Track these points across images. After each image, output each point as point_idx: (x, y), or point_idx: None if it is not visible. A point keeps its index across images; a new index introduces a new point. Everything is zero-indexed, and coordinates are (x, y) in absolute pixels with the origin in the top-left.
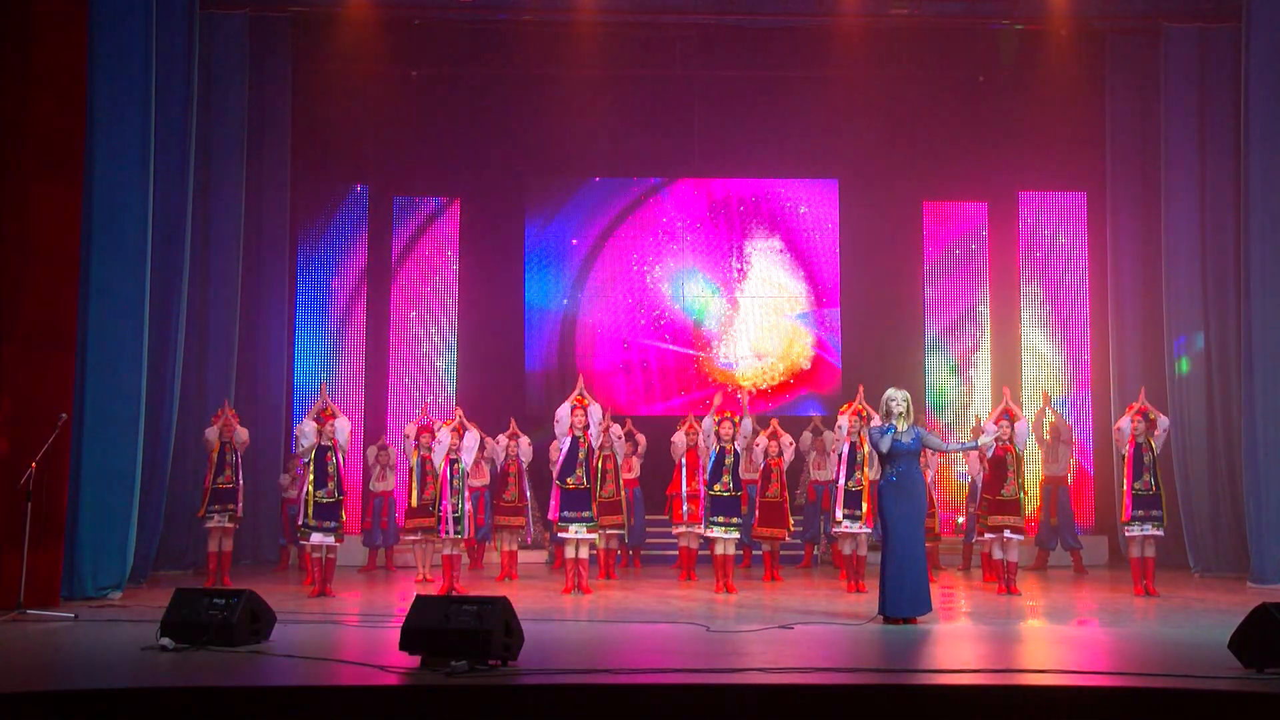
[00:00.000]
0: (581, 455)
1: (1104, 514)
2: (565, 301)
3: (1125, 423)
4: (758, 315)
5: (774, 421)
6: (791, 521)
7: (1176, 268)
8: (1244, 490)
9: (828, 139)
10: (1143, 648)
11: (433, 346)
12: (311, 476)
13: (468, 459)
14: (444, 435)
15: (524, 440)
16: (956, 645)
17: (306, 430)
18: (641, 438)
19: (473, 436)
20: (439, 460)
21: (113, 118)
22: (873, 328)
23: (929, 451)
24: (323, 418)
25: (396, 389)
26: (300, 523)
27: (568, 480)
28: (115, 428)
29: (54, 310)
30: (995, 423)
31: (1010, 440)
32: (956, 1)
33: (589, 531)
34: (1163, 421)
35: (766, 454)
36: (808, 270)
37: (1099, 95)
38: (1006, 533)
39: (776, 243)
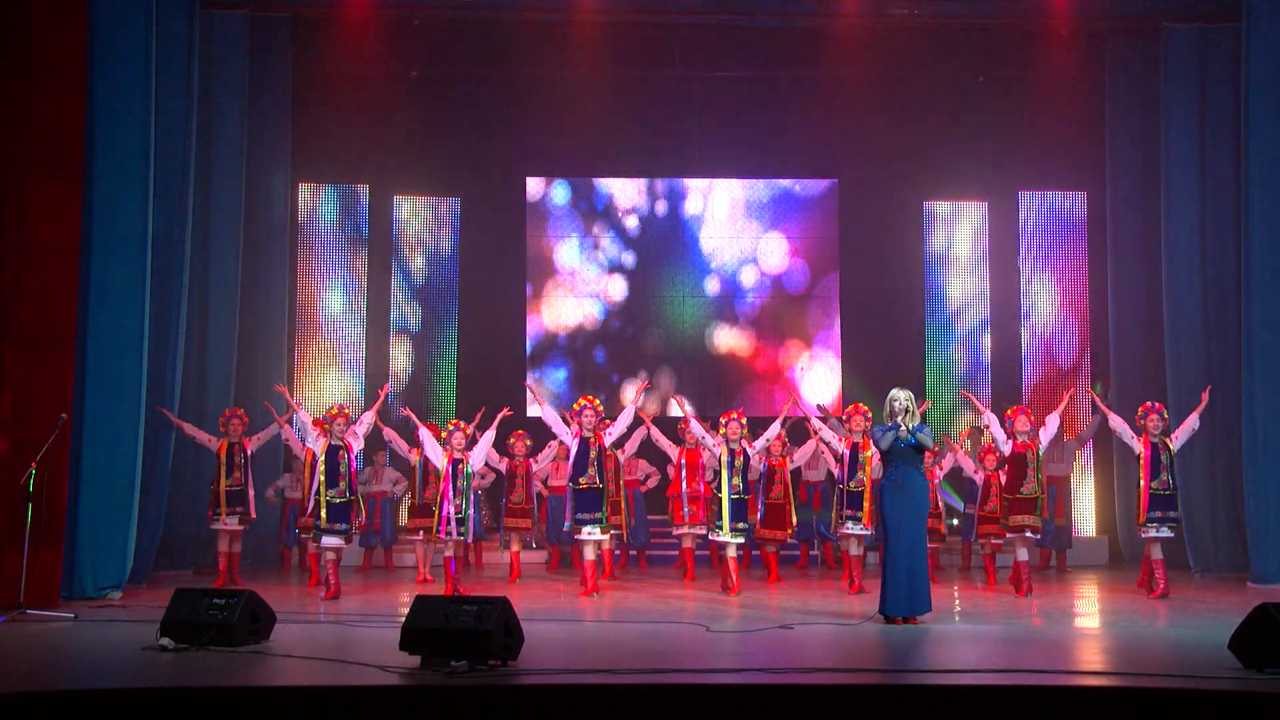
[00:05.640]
0: (593, 455)
1: (1104, 514)
2: (565, 301)
3: (1116, 422)
4: (756, 314)
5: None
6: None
7: (1176, 267)
8: (1244, 490)
9: (828, 139)
10: (1143, 648)
11: (433, 346)
12: (323, 475)
13: (476, 461)
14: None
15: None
16: (956, 645)
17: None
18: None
19: (487, 438)
20: (439, 463)
21: (113, 117)
22: (872, 327)
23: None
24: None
25: (396, 389)
26: (313, 523)
27: (580, 480)
28: (115, 428)
29: (54, 310)
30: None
31: (1032, 438)
32: (956, 1)
33: (601, 532)
34: (1192, 422)
35: (770, 454)
36: (807, 270)
37: (1099, 95)
38: (1027, 533)
39: (775, 242)
